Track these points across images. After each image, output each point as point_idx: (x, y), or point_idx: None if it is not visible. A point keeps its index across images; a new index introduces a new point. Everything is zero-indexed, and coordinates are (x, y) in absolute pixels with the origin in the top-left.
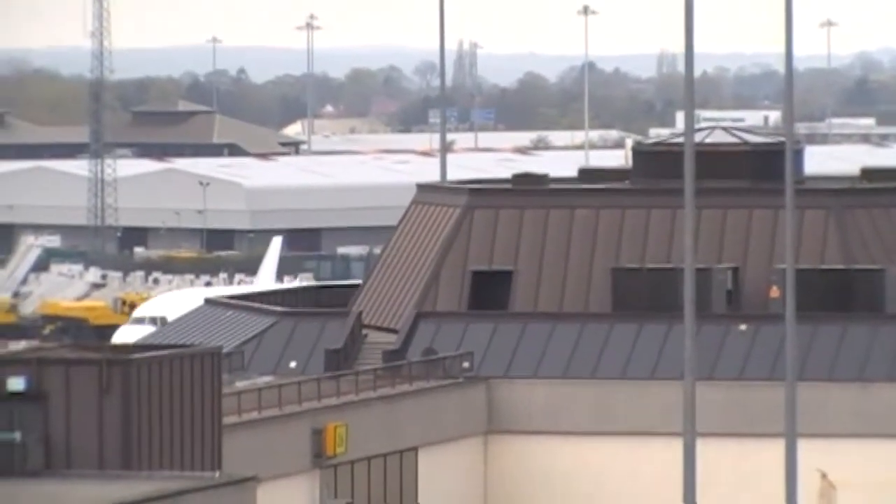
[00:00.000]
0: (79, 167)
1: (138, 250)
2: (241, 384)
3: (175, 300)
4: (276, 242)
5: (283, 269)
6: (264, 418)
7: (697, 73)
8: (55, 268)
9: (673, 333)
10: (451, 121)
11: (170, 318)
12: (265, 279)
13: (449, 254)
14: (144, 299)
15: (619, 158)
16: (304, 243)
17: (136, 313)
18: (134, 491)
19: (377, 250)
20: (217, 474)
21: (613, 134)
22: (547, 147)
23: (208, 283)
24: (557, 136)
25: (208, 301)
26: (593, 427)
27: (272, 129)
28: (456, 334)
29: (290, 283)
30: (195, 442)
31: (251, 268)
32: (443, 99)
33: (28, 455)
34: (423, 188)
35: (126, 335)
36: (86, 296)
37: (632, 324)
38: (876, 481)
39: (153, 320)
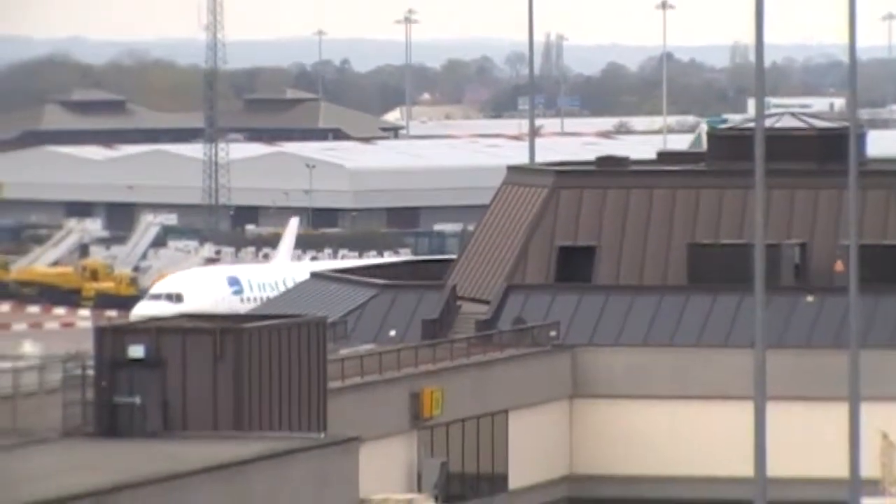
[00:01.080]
0: (194, 150)
1: (249, 227)
2: (344, 351)
3: (190, 278)
4: (294, 223)
5: (356, 243)
6: (366, 383)
7: (767, 63)
8: (172, 244)
9: (744, 304)
10: (539, 107)
11: (185, 295)
12: (282, 258)
13: (537, 231)
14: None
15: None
16: (403, 221)
17: (154, 290)
18: (245, 451)
19: (470, 227)
20: (322, 435)
21: (689, 119)
22: (628, 132)
23: (314, 258)
24: (638, 122)
25: (314, 275)
26: (671, 391)
27: (373, 115)
28: (543, 305)
29: (390, 258)
30: (302, 405)
31: (354, 244)
32: (532, 87)
33: (147, 417)
34: (513, 170)
35: (142, 310)
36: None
37: (706, 295)
38: None
39: (169, 296)
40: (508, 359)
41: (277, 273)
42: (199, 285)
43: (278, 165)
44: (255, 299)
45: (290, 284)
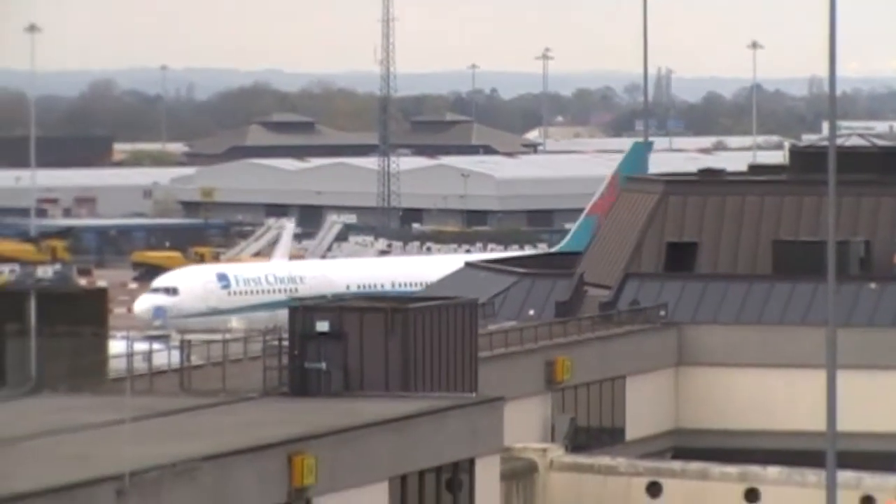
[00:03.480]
0: (370, 163)
1: (415, 226)
2: (492, 327)
3: (184, 274)
4: (290, 227)
5: (463, 239)
6: (509, 353)
7: (838, 92)
8: (352, 239)
9: (819, 290)
10: (651, 128)
11: (180, 289)
12: (279, 256)
13: (649, 229)
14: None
15: (779, 157)
16: (540, 221)
17: (154, 284)
18: (410, 407)
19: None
20: (474, 395)
21: (774, 139)
22: (724, 148)
23: (467, 251)
24: (732, 140)
25: (468, 264)
26: (758, 360)
27: (516, 134)
28: (654, 290)
29: (529, 252)
30: (457, 371)
31: (500, 240)
32: (646, 112)
33: (331, 380)
34: (630, 179)
35: (143, 302)
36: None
37: (788, 283)
38: None
39: (166, 290)
40: (625, 334)
41: (263, 269)
42: (191, 280)
43: (439, 175)
44: (240, 292)
45: (272, 280)
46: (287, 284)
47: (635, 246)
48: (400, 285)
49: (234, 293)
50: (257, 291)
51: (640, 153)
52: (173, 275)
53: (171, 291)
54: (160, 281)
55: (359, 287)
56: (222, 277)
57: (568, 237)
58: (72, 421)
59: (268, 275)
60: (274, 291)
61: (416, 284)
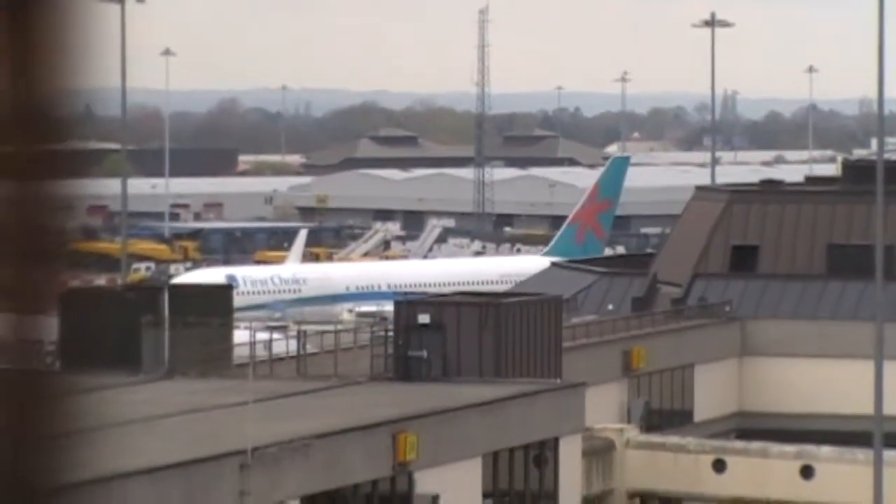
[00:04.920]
0: (467, 173)
1: (507, 229)
2: (575, 320)
3: (196, 276)
4: (302, 234)
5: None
6: (591, 343)
7: (886, 111)
8: (451, 241)
9: (868, 289)
10: (718, 144)
11: None
12: (292, 261)
13: (716, 233)
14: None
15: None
16: (619, 225)
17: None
18: (502, 391)
19: (668, 231)
20: (558, 381)
21: (829, 153)
22: (783, 162)
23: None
24: (791, 154)
25: (554, 264)
26: (813, 351)
27: (597, 148)
28: (720, 288)
29: (609, 253)
30: (544, 359)
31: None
32: (713, 128)
33: (431, 367)
34: (700, 189)
35: None
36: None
37: (840, 282)
38: None
39: None
40: (694, 327)
41: (269, 272)
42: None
43: (528, 184)
44: (247, 293)
45: (277, 281)
46: (291, 285)
47: (703, 248)
48: (396, 287)
49: (242, 293)
50: (263, 292)
51: (619, 167)
52: (188, 276)
53: None
54: (175, 281)
55: (357, 288)
56: (231, 279)
57: (552, 243)
58: (200, 403)
59: (273, 276)
60: (279, 292)
61: (410, 286)
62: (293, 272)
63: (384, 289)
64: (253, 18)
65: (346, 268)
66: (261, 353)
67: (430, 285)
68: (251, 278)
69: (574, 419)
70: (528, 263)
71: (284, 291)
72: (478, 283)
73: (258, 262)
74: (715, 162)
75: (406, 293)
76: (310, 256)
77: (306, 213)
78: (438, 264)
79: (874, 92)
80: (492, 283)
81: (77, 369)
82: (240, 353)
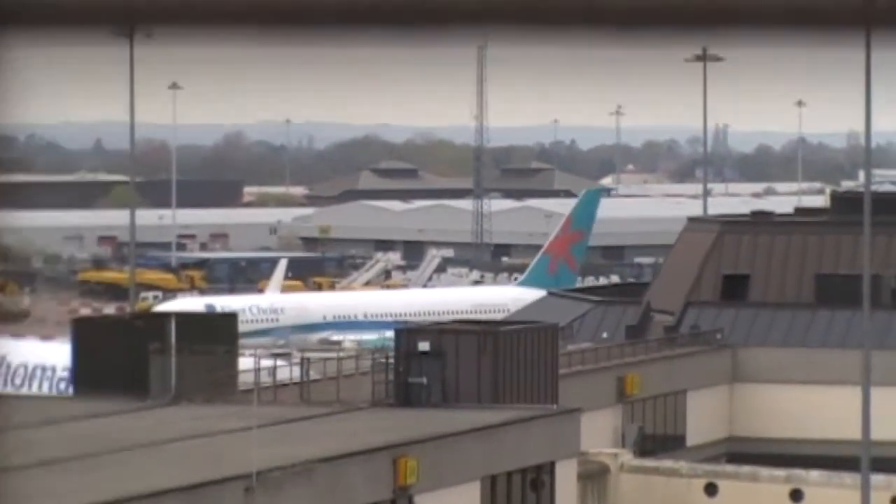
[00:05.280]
0: (466, 204)
1: (504, 259)
2: (570, 347)
3: (177, 305)
4: (283, 263)
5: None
6: (585, 370)
7: (873, 144)
8: (450, 270)
9: (856, 317)
10: (709, 175)
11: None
12: (272, 290)
13: (708, 263)
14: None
15: (821, 201)
16: (612, 255)
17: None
18: (500, 416)
19: (661, 260)
20: (554, 407)
21: (817, 185)
22: (773, 193)
23: None
24: (780, 186)
25: (550, 293)
26: (803, 378)
27: (593, 180)
28: (712, 316)
29: (603, 283)
30: (540, 385)
31: (581, 271)
32: (705, 161)
33: (431, 393)
34: (692, 220)
35: None
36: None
37: (828, 310)
38: None
39: None
40: (687, 354)
41: (247, 302)
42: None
43: (525, 215)
44: None
45: (255, 311)
46: (269, 314)
47: (695, 277)
48: (371, 316)
49: None
50: (242, 321)
51: (591, 199)
52: (169, 304)
53: None
54: (158, 308)
55: (334, 317)
56: (210, 307)
57: (525, 273)
58: (206, 428)
59: (252, 306)
60: (257, 321)
61: (385, 315)
62: (271, 302)
63: (360, 318)
64: (258, 53)
65: (323, 297)
66: (265, 379)
67: (405, 315)
68: (229, 308)
69: (570, 444)
70: (500, 293)
71: (262, 321)
72: (451, 313)
73: (261, 291)
74: (707, 193)
75: (380, 322)
76: (313, 286)
77: (309, 243)
78: (413, 294)
79: (861, 125)
80: (465, 312)
81: (88, 394)
82: (245, 380)
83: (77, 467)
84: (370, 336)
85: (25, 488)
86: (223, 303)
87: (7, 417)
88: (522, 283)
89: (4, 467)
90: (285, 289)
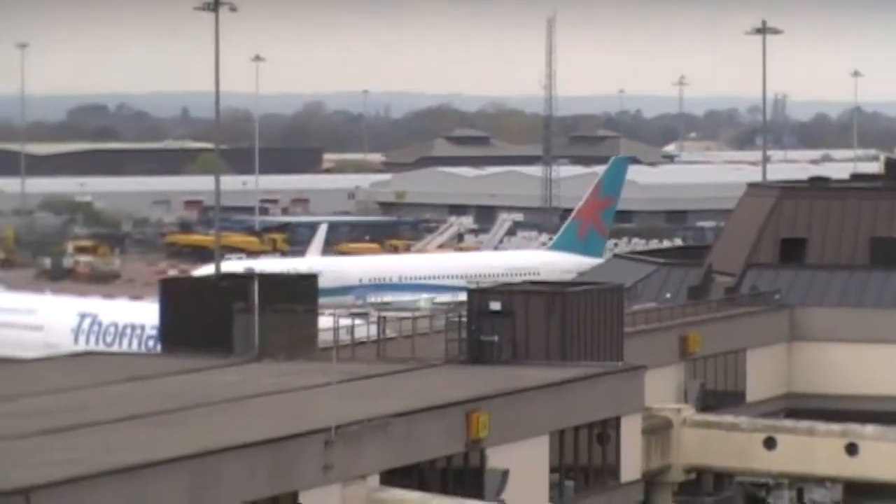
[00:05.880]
0: (535, 171)
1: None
2: (635, 307)
3: (222, 268)
4: (322, 229)
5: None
6: (650, 329)
7: None
8: (520, 234)
9: None
10: (769, 143)
11: None
12: (312, 254)
13: (767, 227)
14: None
15: (875, 168)
16: (676, 219)
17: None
18: (567, 373)
19: (722, 224)
20: (620, 364)
21: (872, 152)
22: (830, 160)
23: (615, 244)
24: (837, 153)
25: (616, 255)
26: (858, 336)
27: (657, 147)
28: (770, 277)
29: (667, 245)
30: (606, 343)
31: (642, 235)
32: (764, 129)
33: (502, 351)
34: (751, 186)
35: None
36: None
37: (883, 272)
38: None
39: None
40: (746, 314)
41: (287, 265)
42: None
43: (592, 181)
44: None
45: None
46: None
47: (755, 241)
48: (406, 279)
49: None
50: None
51: (619, 167)
52: (211, 268)
53: None
54: (201, 271)
55: (370, 280)
56: (249, 270)
57: (556, 237)
58: (287, 384)
59: (289, 269)
60: None
61: (418, 278)
62: (309, 265)
63: (395, 281)
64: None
65: (360, 261)
66: (344, 337)
67: (437, 277)
68: (268, 271)
69: (634, 399)
70: (532, 257)
71: None
72: (483, 276)
73: (341, 253)
74: (766, 160)
75: (413, 284)
76: (390, 248)
77: (386, 207)
78: (445, 258)
79: None
80: (497, 275)
81: (175, 351)
82: (324, 338)
83: (165, 421)
84: (405, 297)
85: (116, 441)
86: (263, 266)
87: (98, 373)
88: (553, 248)
89: (97, 421)
90: (362, 250)
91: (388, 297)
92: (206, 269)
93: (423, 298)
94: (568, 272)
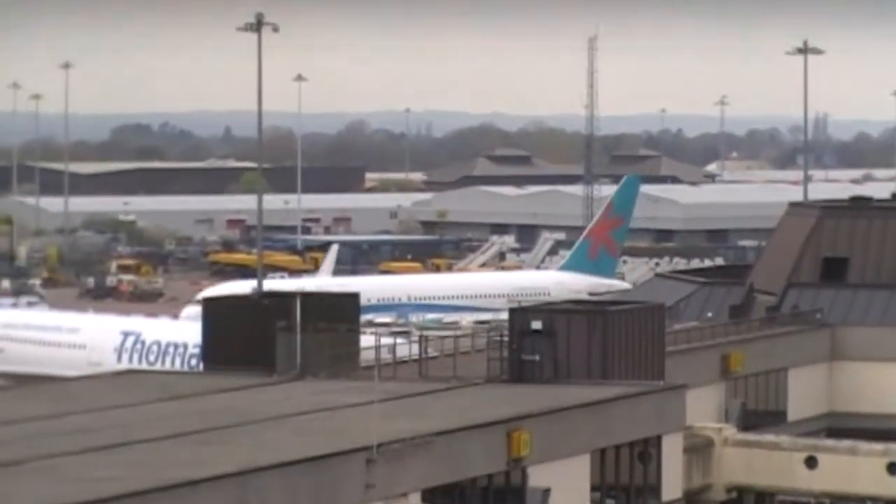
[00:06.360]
0: (576, 190)
1: None
2: (677, 326)
3: (221, 290)
4: (334, 249)
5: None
6: (691, 348)
7: None
8: (562, 253)
9: None
10: (810, 163)
11: None
12: (323, 275)
13: (808, 246)
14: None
15: None
16: (717, 238)
17: (198, 296)
18: (609, 392)
19: (763, 243)
20: (661, 383)
21: None
22: (871, 179)
23: (656, 264)
24: (878, 173)
25: (657, 275)
26: None
27: (698, 167)
28: (812, 296)
29: (708, 264)
30: (647, 362)
31: (683, 254)
32: (805, 149)
33: (543, 369)
34: (793, 205)
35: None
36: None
37: None
38: None
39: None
40: (788, 333)
41: (296, 285)
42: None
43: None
44: None
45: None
46: None
47: (796, 260)
48: (414, 299)
49: None
50: None
51: (631, 186)
52: (215, 289)
53: None
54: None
55: (378, 300)
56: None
57: (567, 257)
58: (329, 402)
59: (300, 287)
60: None
61: (427, 298)
62: (318, 284)
63: (404, 300)
64: (379, 45)
65: (369, 281)
66: (385, 356)
67: (446, 298)
68: (277, 291)
69: (676, 418)
70: (542, 277)
71: None
72: (493, 296)
73: (383, 272)
74: (807, 180)
75: (423, 305)
76: (432, 267)
77: (428, 226)
78: (456, 278)
79: None
80: (506, 295)
81: (218, 370)
82: (366, 357)
83: (208, 440)
84: (413, 317)
85: (160, 459)
86: (270, 286)
87: (141, 392)
88: (563, 268)
89: (140, 439)
90: (404, 269)
91: (389, 318)
92: (238, 285)
93: (465, 317)
94: (579, 292)
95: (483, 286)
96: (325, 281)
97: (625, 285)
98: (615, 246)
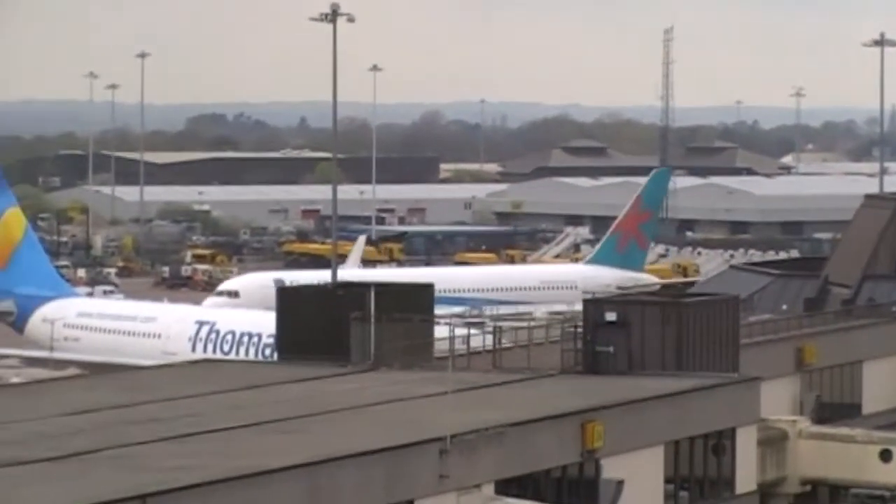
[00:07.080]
0: None
1: (688, 234)
2: (751, 319)
3: (245, 280)
4: (361, 240)
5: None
6: (766, 340)
7: None
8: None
9: None
10: (886, 155)
11: (241, 292)
12: (351, 266)
13: (884, 238)
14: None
15: None
16: (792, 230)
17: (218, 288)
18: (683, 384)
19: (839, 236)
20: (735, 375)
21: None
22: None
23: (731, 256)
24: None
25: (732, 266)
26: None
27: (773, 158)
28: (888, 289)
29: (784, 257)
30: (721, 354)
31: (759, 246)
32: (882, 141)
33: (617, 361)
34: (869, 197)
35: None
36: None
37: None
38: None
39: (229, 293)
40: (863, 325)
41: (315, 277)
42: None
43: (708, 192)
44: None
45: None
46: None
47: (872, 252)
48: (440, 291)
49: None
50: None
51: (661, 179)
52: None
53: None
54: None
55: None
56: (279, 282)
57: (595, 251)
58: (403, 392)
59: (318, 281)
60: None
61: (452, 291)
62: (340, 277)
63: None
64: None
65: (391, 274)
66: (459, 347)
67: (472, 290)
68: (297, 282)
69: (750, 411)
70: (569, 271)
71: None
72: (519, 289)
73: (458, 264)
74: (883, 172)
75: (446, 297)
76: (506, 258)
77: (502, 217)
78: (481, 270)
79: None
80: (533, 288)
81: (292, 360)
82: (440, 347)
83: (282, 429)
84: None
85: (233, 448)
86: (292, 277)
87: (216, 381)
88: (591, 262)
89: (214, 428)
90: (479, 260)
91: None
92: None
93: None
94: (607, 286)
95: (507, 279)
96: (344, 273)
97: (653, 279)
98: (645, 240)
